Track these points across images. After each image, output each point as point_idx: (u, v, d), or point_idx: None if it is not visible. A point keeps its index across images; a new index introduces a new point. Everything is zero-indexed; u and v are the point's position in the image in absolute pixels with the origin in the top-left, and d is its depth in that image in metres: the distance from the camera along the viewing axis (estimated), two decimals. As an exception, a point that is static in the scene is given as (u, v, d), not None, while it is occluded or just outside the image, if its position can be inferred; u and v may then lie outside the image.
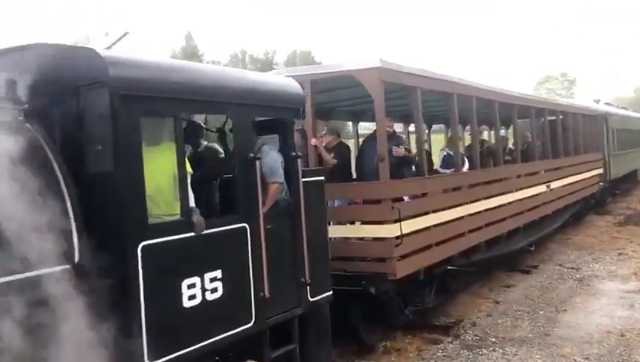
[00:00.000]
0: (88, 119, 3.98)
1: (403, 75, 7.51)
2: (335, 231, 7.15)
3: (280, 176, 5.21)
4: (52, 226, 3.70)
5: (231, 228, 4.68)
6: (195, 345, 4.25)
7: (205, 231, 4.40)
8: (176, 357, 4.10)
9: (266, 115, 5.22)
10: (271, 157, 5.22)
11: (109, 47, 4.87)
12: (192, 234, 4.31)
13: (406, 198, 8.03)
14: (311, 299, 5.53)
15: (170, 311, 4.12)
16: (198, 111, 4.57)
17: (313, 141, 7.28)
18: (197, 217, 4.36)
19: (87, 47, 3.94)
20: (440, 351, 7.31)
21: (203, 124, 5.60)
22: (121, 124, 3.87)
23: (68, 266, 3.77)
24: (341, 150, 7.85)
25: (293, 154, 5.38)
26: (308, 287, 5.46)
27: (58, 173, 3.89)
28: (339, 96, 8.97)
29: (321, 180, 5.84)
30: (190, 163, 5.77)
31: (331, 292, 5.87)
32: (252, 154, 4.85)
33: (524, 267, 11.52)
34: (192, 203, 4.42)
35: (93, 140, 3.99)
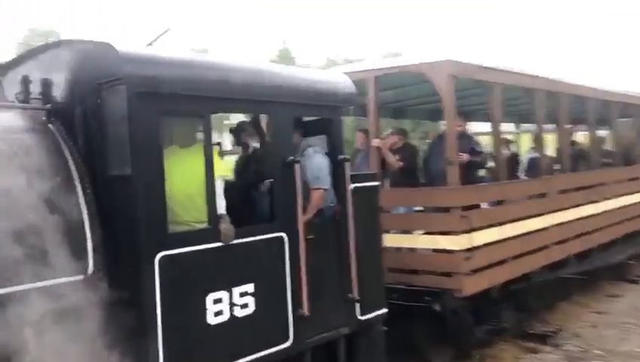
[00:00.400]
0: (107, 119, 3.73)
1: (478, 69, 6.78)
2: (398, 241, 6.60)
3: (324, 182, 4.74)
4: (64, 234, 3.46)
5: (266, 238, 4.27)
6: (221, 365, 3.88)
7: (235, 241, 4.02)
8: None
9: (309, 113, 4.77)
10: (315, 161, 4.76)
11: (149, 44, 4.63)
12: (219, 244, 3.94)
13: (484, 205, 7.32)
14: (360, 318, 5.00)
15: (192, 329, 3.77)
16: (228, 110, 4.20)
17: (375, 142, 6.73)
18: (225, 225, 3.98)
19: (105, 43, 3.67)
20: (539, 362, 6.76)
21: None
22: (139, 124, 3.56)
23: (80, 277, 3.51)
24: (408, 152, 7.23)
25: (341, 157, 4.88)
26: (357, 304, 4.95)
27: (75, 178, 3.65)
28: (410, 94, 8.35)
29: (375, 186, 5.30)
30: (239, 166, 5.51)
31: (386, 310, 5.31)
32: (291, 157, 4.41)
33: (632, 276, 10.54)
34: (221, 210, 4.05)
35: (112, 141, 3.72)
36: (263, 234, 4.26)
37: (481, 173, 7.39)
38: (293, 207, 4.40)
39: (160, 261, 3.60)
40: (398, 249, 6.68)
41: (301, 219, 4.41)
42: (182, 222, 4.13)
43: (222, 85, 3.94)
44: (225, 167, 4.40)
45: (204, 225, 3.94)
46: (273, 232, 4.32)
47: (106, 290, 3.54)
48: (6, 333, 3.12)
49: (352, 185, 4.98)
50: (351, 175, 5.05)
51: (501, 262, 6.74)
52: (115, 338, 3.46)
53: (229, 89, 4.00)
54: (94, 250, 3.58)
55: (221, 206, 4.06)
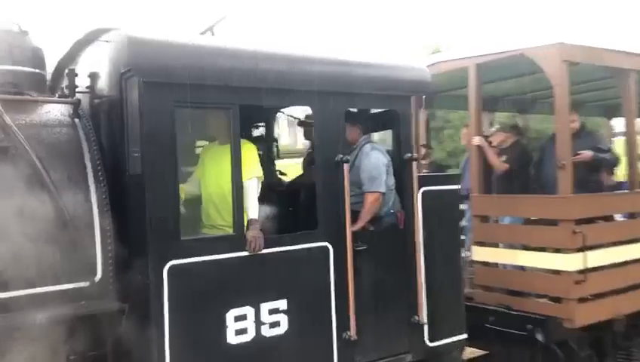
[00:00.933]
0: (125, 112, 3.44)
1: (603, 52, 5.62)
2: (498, 256, 5.67)
3: (379, 184, 4.08)
4: (72, 238, 3.23)
5: (305, 248, 3.73)
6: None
7: (266, 251, 3.54)
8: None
9: (364, 104, 4.14)
10: (371, 160, 4.12)
11: (203, 33, 4.32)
12: (245, 253, 3.48)
13: (618, 217, 6.10)
14: (430, 344, 4.27)
15: (207, 347, 3.35)
16: (259, 101, 3.72)
17: (476, 140, 5.83)
18: (253, 232, 3.51)
19: (123, 30, 3.37)
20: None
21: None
22: (151, 117, 3.22)
23: (86, 284, 3.26)
24: (517, 152, 6.21)
25: (408, 155, 4.18)
26: (425, 328, 4.22)
27: (90, 178, 3.40)
28: (532, 84, 7.24)
29: (452, 190, 4.51)
30: (304, 166, 5.03)
31: (464, 336, 4.51)
32: (341, 156, 3.82)
33: None
34: (253, 214, 3.59)
35: (129, 137, 3.43)
36: (302, 243, 3.73)
37: (610, 177, 6.16)
38: (340, 213, 3.81)
39: (169, 271, 3.22)
40: (499, 265, 5.75)
41: (349, 226, 3.81)
42: (215, 226, 3.76)
43: (248, 74, 3.46)
44: (272, 167, 3.96)
45: (226, 232, 3.51)
46: (315, 241, 3.77)
47: (113, 300, 3.26)
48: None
49: (423, 189, 4.26)
50: (423, 176, 4.35)
51: (628, 289, 5.51)
52: (116, 352, 3.17)
53: (258, 78, 3.51)
54: (102, 256, 3.30)
55: (254, 209, 3.59)
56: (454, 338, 4.43)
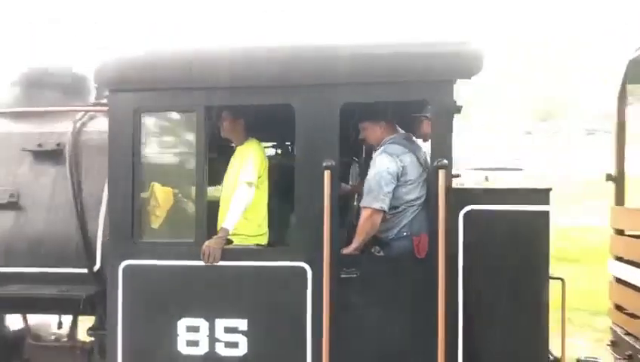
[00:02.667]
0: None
1: None
2: None
3: (374, 199, 3.13)
4: (83, 227, 3.73)
5: (275, 266, 3.24)
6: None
7: (223, 263, 3.27)
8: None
9: (374, 95, 3.19)
10: (375, 167, 3.20)
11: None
12: (201, 263, 3.29)
13: None
14: None
15: (157, 350, 3.34)
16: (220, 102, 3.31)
17: None
18: (212, 242, 3.27)
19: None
20: None
21: None
22: (116, 122, 3.40)
23: (84, 270, 3.70)
24: None
25: (438, 161, 3.07)
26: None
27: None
28: None
29: (537, 212, 3.06)
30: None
31: None
32: (326, 163, 3.13)
33: None
34: (226, 223, 3.34)
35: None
36: (273, 260, 3.26)
37: None
38: (320, 229, 3.14)
39: (124, 270, 3.35)
40: None
41: (327, 246, 3.10)
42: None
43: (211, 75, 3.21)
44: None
45: (186, 239, 3.37)
46: (289, 260, 3.23)
47: (102, 291, 3.60)
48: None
49: (468, 208, 3.09)
50: (469, 189, 3.16)
51: None
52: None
53: (222, 78, 3.19)
54: (102, 247, 3.67)
55: (231, 218, 3.35)
56: None
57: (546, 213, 3.09)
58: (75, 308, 3.52)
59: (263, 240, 3.60)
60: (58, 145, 3.94)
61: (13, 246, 3.77)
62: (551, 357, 3.24)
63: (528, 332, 3.10)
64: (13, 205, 3.83)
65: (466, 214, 3.09)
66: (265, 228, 3.62)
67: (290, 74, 3.20)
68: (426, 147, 3.55)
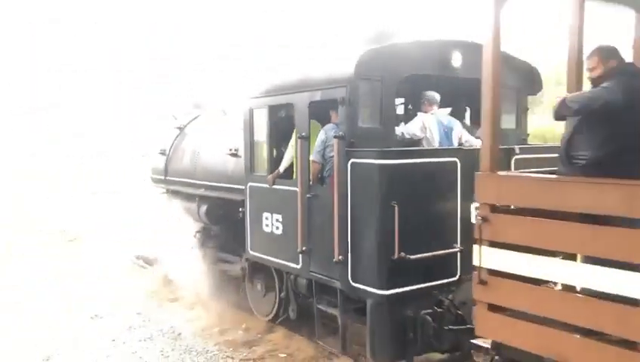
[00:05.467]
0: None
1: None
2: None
3: (314, 155, 5.86)
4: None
5: (288, 189, 6.28)
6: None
7: (274, 186, 6.52)
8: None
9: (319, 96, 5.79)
10: (319, 137, 5.77)
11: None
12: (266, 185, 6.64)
13: None
14: (352, 283, 5.50)
15: (258, 229, 6.86)
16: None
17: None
18: (269, 176, 6.56)
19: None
20: None
21: None
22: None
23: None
24: None
25: (339, 134, 5.46)
26: (349, 267, 5.53)
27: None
28: None
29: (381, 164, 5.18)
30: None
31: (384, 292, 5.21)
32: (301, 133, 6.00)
33: None
34: (280, 166, 6.54)
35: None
36: (287, 186, 6.31)
37: None
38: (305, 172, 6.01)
39: (249, 188, 6.99)
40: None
41: (300, 184, 5.97)
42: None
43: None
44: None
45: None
46: (293, 186, 6.19)
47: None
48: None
49: (351, 160, 5.39)
50: (353, 151, 5.41)
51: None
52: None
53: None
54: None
55: (282, 165, 6.54)
56: (371, 289, 5.26)
57: (389, 165, 5.12)
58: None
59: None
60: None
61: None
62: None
63: (379, 232, 5.22)
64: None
65: (352, 164, 5.40)
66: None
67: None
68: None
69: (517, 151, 5.81)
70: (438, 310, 5.23)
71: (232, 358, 6.58)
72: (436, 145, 6.00)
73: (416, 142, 6.04)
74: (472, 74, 5.12)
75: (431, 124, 6.03)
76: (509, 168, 5.67)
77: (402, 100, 7.79)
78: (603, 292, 3.44)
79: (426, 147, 5.95)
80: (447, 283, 5.38)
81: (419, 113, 6.34)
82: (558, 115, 3.99)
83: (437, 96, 6.19)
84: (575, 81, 4.57)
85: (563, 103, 3.90)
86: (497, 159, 4.11)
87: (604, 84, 3.78)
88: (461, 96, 6.97)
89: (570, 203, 3.59)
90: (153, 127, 11.07)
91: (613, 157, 3.71)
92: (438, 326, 5.20)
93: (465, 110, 7.30)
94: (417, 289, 5.25)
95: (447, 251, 5.32)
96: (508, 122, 6.71)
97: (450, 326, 5.17)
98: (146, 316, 8.06)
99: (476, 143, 6.13)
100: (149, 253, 10.16)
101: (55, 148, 24.49)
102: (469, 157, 5.23)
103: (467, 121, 7.18)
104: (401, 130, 6.04)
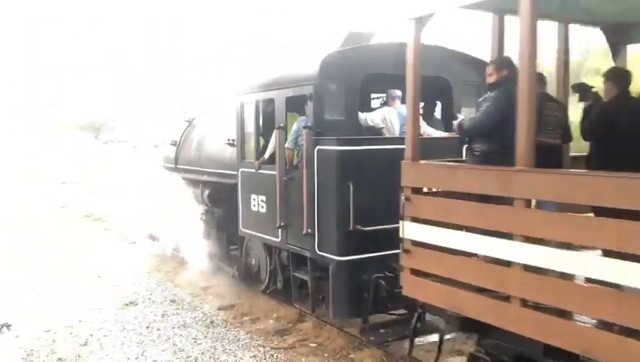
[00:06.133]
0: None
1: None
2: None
3: (289, 143, 6.79)
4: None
5: (269, 173, 7.25)
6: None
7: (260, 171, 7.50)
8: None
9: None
10: (293, 128, 6.70)
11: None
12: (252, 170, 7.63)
13: None
14: (318, 252, 6.45)
15: (248, 208, 7.86)
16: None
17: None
18: (256, 162, 7.54)
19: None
20: None
21: None
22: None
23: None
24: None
25: (307, 125, 6.40)
26: (315, 239, 6.48)
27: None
28: None
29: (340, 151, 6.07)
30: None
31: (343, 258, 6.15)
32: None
33: None
34: (265, 153, 7.51)
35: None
36: (269, 170, 7.27)
37: None
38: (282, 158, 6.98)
39: (240, 173, 7.98)
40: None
41: (279, 167, 6.93)
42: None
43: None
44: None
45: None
46: (273, 171, 7.16)
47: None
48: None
49: (318, 147, 6.32)
50: (319, 139, 6.32)
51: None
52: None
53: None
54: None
55: (267, 151, 7.51)
56: (332, 256, 6.20)
57: (346, 151, 6.03)
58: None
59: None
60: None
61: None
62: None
63: (337, 207, 6.13)
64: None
65: (318, 151, 6.33)
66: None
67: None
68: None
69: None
70: (389, 275, 6.12)
71: (264, 346, 6.73)
72: (397, 134, 6.86)
73: (378, 130, 6.92)
74: (427, 72, 5.86)
75: (392, 116, 6.92)
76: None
77: (380, 95, 8.66)
78: (488, 256, 4.27)
79: (386, 136, 6.83)
80: (397, 253, 6.26)
81: (384, 106, 7.23)
82: (460, 133, 5.03)
83: (399, 93, 7.05)
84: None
85: (460, 127, 4.96)
86: (418, 149, 4.92)
87: (492, 93, 4.66)
88: (429, 92, 7.79)
89: (464, 185, 4.46)
90: (164, 121, 12.06)
91: (496, 150, 4.54)
92: (390, 289, 6.10)
93: (435, 105, 8.12)
94: (371, 257, 6.15)
95: (396, 226, 6.20)
96: (470, 114, 7.52)
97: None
98: (179, 304, 8.43)
99: (434, 134, 7.00)
100: (159, 232, 11.33)
101: (55, 148, 24.94)
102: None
103: (438, 115, 8.02)
104: (364, 116, 6.93)
